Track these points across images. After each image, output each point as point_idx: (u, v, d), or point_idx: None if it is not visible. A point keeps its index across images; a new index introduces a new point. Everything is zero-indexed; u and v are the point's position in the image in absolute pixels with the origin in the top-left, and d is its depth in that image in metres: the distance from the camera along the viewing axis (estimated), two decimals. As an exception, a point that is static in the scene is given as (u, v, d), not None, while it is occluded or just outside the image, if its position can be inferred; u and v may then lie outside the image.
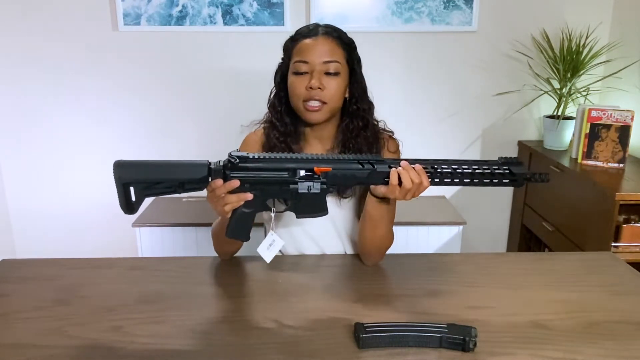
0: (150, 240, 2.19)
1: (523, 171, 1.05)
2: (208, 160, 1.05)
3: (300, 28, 1.26)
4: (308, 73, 1.20)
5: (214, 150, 2.39)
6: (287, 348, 0.92)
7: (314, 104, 1.20)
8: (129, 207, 1.05)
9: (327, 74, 1.20)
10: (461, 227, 2.23)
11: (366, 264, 1.25)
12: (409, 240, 2.21)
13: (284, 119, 1.28)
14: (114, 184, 1.04)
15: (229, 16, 2.25)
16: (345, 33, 1.26)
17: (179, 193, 1.06)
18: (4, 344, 0.94)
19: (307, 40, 1.21)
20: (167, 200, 2.39)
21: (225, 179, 1.04)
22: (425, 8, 2.28)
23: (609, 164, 2.04)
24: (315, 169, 1.05)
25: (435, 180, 1.06)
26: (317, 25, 1.24)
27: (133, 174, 1.04)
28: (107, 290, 1.12)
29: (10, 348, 0.92)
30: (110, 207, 2.41)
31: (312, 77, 1.19)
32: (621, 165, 2.03)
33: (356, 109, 1.27)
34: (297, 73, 1.21)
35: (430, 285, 1.14)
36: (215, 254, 1.28)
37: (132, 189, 1.04)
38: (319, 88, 1.19)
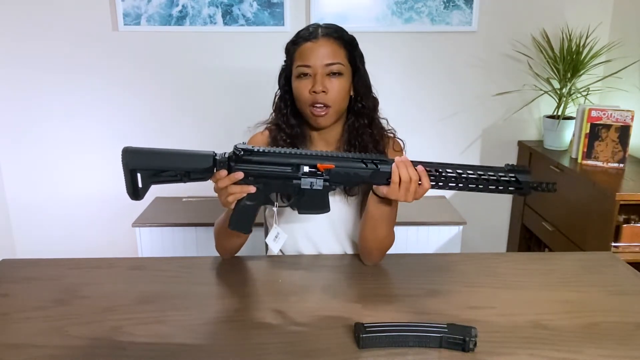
0: (150, 240, 2.19)
1: (530, 179, 1.04)
2: (214, 151, 1.05)
3: (301, 30, 1.25)
4: (311, 76, 1.20)
5: (216, 148, 2.38)
6: (286, 348, 0.92)
7: (319, 108, 1.20)
8: (135, 193, 1.06)
9: (330, 75, 1.20)
10: (461, 227, 2.23)
11: (366, 263, 1.25)
12: (409, 240, 2.21)
13: (290, 121, 1.28)
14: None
15: (229, 16, 2.25)
16: (346, 31, 1.25)
17: (185, 182, 1.07)
18: (4, 344, 0.94)
19: (308, 44, 1.20)
20: (167, 200, 2.39)
21: (230, 170, 1.05)
22: (425, 8, 2.28)
23: (609, 164, 2.04)
24: (319, 165, 1.05)
25: (439, 184, 1.06)
26: (317, 27, 1.23)
27: (140, 160, 1.05)
28: (107, 290, 1.12)
29: (10, 348, 0.92)
30: (110, 207, 2.43)
31: (315, 81, 1.18)
32: (621, 165, 2.03)
33: (361, 107, 1.27)
34: (299, 77, 1.21)
35: (430, 285, 1.14)
36: (216, 254, 1.28)
37: (139, 175, 1.05)
38: (323, 92, 1.18)
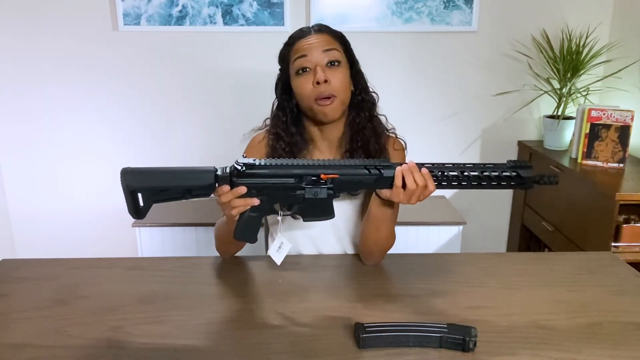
0: (150, 240, 2.19)
1: (531, 174, 1.04)
2: (214, 167, 1.04)
3: (292, 33, 1.26)
4: (311, 70, 1.20)
5: (216, 149, 2.41)
6: (286, 348, 0.92)
7: (325, 99, 1.19)
8: (137, 212, 1.05)
9: (329, 65, 1.20)
10: (461, 227, 2.23)
11: (366, 263, 1.25)
12: (409, 240, 2.21)
13: (290, 129, 1.27)
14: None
15: (229, 16, 2.25)
16: (337, 30, 1.26)
17: (187, 199, 1.06)
18: (4, 344, 0.94)
19: (302, 40, 1.22)
20: (167, 200, 2.39)
21: (232, 185, 1.04)
22: (425, 8, 2.28)
23: (609, 164, 2.04)
24: (322, 175, 1.05)
25: (443, 183, 1.06)
26: (308, 27, 1.26)
27: (140, 181, 1.03)
28: (107, 290, 1.12)
29: (10, 348, 0.92)
30: (110, 207, 2.43)
31: (316, 72, 1.18)
32: (621, 165, 2.03)
33: (361, 99, 1.27)
34: (299, 73, 1.21)
35: (430, 285, 1.14)
36: (216, 254, 1.28)
37: (139, 195, 1.04)
38: (326, 81, 1.18)
